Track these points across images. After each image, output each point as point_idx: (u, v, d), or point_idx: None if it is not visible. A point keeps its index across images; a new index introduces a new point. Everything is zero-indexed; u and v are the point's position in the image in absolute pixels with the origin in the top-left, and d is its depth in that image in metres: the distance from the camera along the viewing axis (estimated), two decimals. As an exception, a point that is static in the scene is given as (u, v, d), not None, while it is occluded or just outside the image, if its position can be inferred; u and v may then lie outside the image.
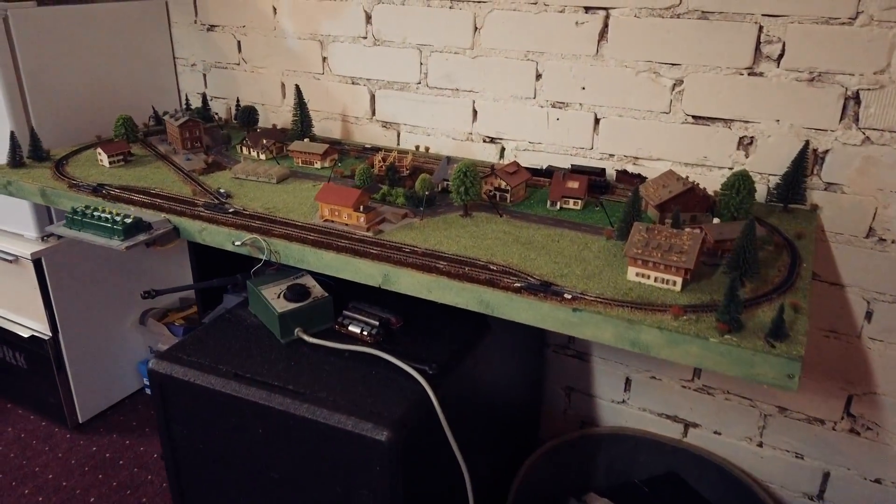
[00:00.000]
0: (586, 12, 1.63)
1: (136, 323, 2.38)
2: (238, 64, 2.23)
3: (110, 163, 1.77)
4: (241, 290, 1.78)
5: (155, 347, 2.41)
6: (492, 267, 1.23)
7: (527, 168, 1.62)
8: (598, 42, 1.64)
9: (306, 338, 1.40)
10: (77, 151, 1.90)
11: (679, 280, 1.13)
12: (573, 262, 1.25)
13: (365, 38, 1.97)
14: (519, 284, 1.16)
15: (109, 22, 2.09)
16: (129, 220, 1.42)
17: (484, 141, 1.90)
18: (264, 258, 1.38)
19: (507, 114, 1.83)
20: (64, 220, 1.48)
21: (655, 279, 1.15)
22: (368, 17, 1.94)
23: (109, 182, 1.66)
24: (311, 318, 1.43)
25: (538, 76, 1.76)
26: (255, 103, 2.23)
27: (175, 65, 2.35)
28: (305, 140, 1.87)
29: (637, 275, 1.17)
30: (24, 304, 2.13)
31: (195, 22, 2.25)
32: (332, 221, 1.44)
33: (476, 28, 1.79)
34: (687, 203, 1.38)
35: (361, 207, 1.41)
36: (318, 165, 1.79)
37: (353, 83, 2.05)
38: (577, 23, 1.65)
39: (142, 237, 1.43)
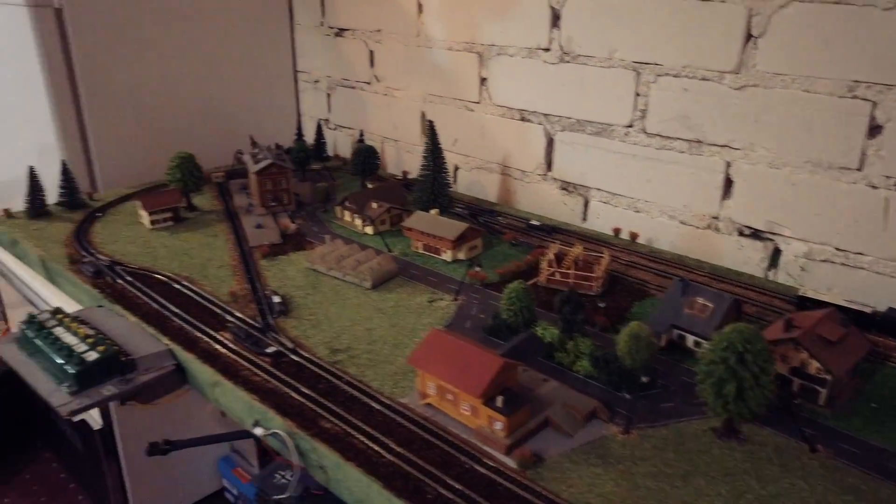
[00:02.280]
0: None
1: (216, 413, 1.85)
2: (369, 83, 1.60)
3: (152, 223, 1.20)
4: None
5: (237, 444, 1.86)
6: None
7: (843, 308, 0.79)
8: None
9: None
10: (132, 195, 1.36)
11: None
12: None
13: (547, 49, 1.23)
14: None
15: (210, 15, 1.54)
16: (94, 356, 0.80)
17: (741, 234, 1.07)
18: (291, 480, 0.69)
19: (792, 191, 0.99)
20: (19, 330, 0.91)
21: None
22: (556, 18, 1.20)
23: (130, 259, 1.08)
24: None
25: (872, 129, 0.90)
26: (386, 138, 1.59)
27: (296, 80, 1.77)
28: (433, 212, 1.15)
29: None
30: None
31: (321, 24, 1.65)
32: (440, 410, 0.72)
33: (750, 35, 0.98)
34: None
35: (500, 400, 0.67)
36: (447, 257, 1.08)
37: (522, 119, 1.32)
38: None
39: (110, 389, 0.81)
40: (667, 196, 1.14)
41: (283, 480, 1.19)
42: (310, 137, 1.60)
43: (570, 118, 1.24)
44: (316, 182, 1.40)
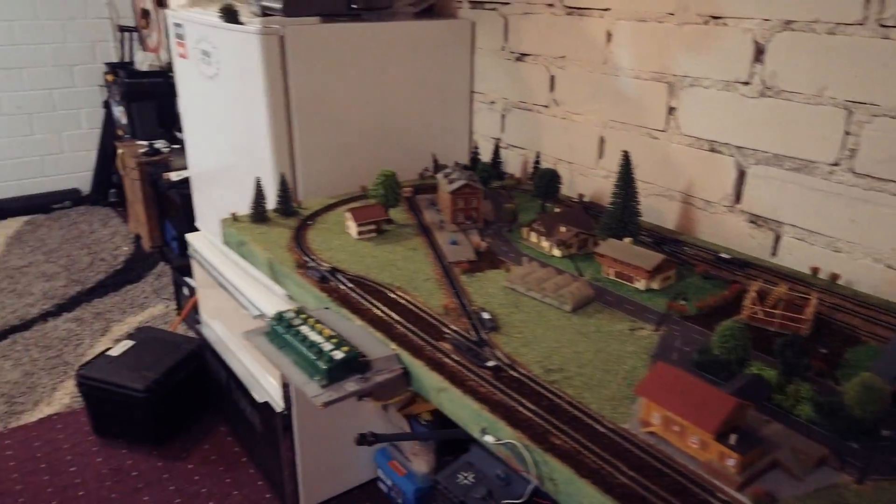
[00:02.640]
0: None
1: (378, 408, 1.98)
2: (547, 106, 1.66)
3: (359, 233, 1.33)
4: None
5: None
6: None
7: None
8: None
9: None
10: (331, 207, 1.50)
11: None
12: None
13: (747, 83, 1.23)
14: None
15: (402, 42, 1.67)
16: (339, 355, 0.91)
17: (958, 285, 1.03)
18: (530, 484, 0.76)
19: None
20: (267, 326, 1.04)
21: None
22: (759, 53, 1.20)
23: (346, 266, 1.20)
24: None
25: None
26: (559, 160, 1.64)
27: (471, 100, 1.87)
28: (626, 240, 1.19)
29: None
30: (266, 364, 1.84)
31: (503, 49, 1.73)
32: (664, 440, 0.76)
33: None
34: None
35: (733, 438, 0.70)
36: (640, 286, 1.11)
37: (711, 150, 1.33)
38: None
39: (351, 385, 0.91)
40: (874, 238, 1.11)
41: (466, 482, 1.27)
42: (481, 156, 1.69)
43: (766, 152, 1.23)
44: (497, 201, 1.48)
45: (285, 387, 1.76)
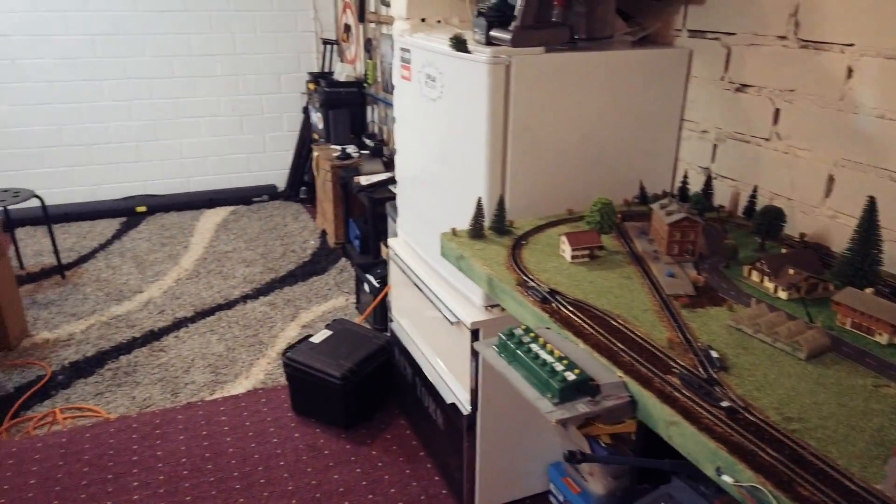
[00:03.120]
0: None
1: (559, 427, 2.02)
2: (767, 139, 1.61)
3: (573, 257, 1.38)
4: (698, 482, 1.20)
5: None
6: None
7: None
8: None
9: None
10: (541, 228, 1.57)
11: None
12: None
13: None
14: None
15: (617, 71, 1.70)
16: (572, 377, 0.97)
17: None
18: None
19: None
20: (497, 339, 1.12)
21: None
22: None
23: (564, 289, 1.26)
24: None
25: None
26: (776, 195, 1.59)
27: (680, 128, 1.85)
28: (868, 291, 1.14)
29: None
30: (455, 367, 1.95)
31: (721, 79, 1.71)
32: (929, 510, 0.73)
33: None
34: None
35: None
36: (883, 340, 1.06)
37: (967, 199, 1.22)
38: None
39: (582, 406, 0.96)
40: None
41: (667, 514, 1.28)
42: (690, 185, 1.67)
43: None
44: (711, 235, 1.46)
45: (473, 391, 1.85)
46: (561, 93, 1.65)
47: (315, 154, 4.47)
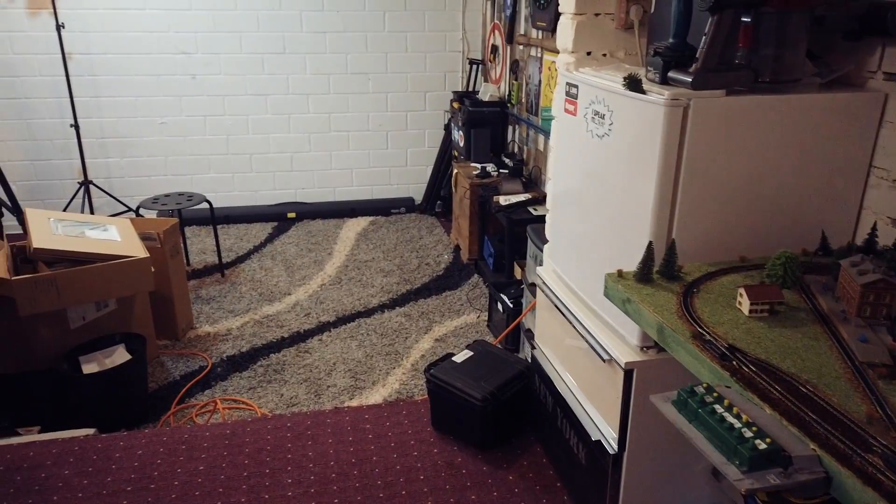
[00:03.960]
0: None
1: (706, 471, 1.95)
2: (976, 195, 1.48)
3: (751, 311, 1.33)
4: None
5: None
6: None
7: None
8: None
9: None
10: (713, 275, 1.53)
11: None
12: None
13: None
14: None
15: (802, 115, 1.63)
16: (762, 446, 0.94)
17: None
18: None
19: None
20: (675, 395, 1.11)
21: None
22: None
23: (744, 346, 1.22)
24: None
25: None
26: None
27: (868, 175, 1.74)
28: None
29: None
30: (603, 404, 1.94)
31: (922, 125, 1.58)
32: None
33: None
34: None
35: None
36: None
37: None
38: None
39: (773, 478, 0.93)
40: None
41: None
42: (878, 238, 1.56)
43: None
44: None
45: (622, 431, 1.83)
46: (740, 136, 1.60)
47: (455, 171, 4.59)
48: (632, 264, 1.53)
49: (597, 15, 2.16)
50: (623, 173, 1.73)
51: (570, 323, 2.04)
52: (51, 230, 2.81)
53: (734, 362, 1.16)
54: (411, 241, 4.76)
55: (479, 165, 4.45)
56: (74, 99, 4.41)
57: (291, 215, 5.04)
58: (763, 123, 1.61)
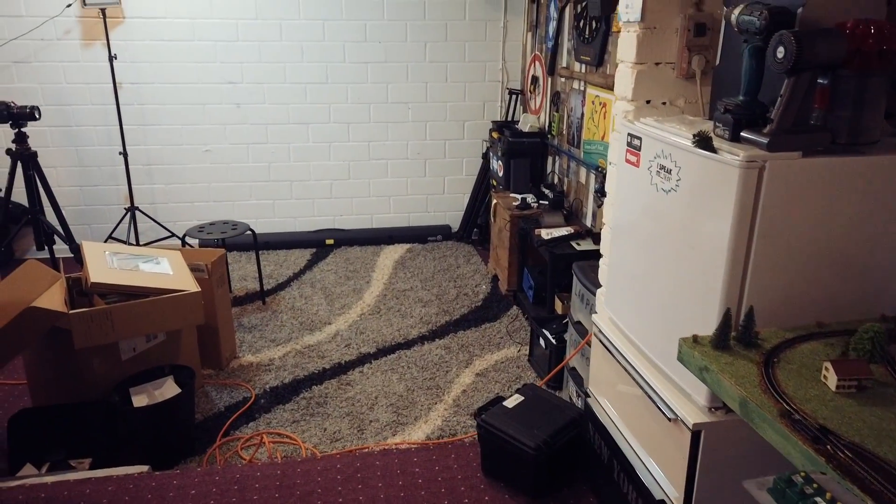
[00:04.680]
0: None
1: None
2: None
3: (838, 387, 1.30)
4: None
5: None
6: None
7: None
8: None
9: None
10: (791, 342, 1.50)
11: None
12: None
13: None
14: None
15: (881, 177, 1.60)
16: (875, 548, 0.91)
17: None
18: None
19: None
20: (772, 482, 1.09)
21: None
22: None
23: (836, 427, 1.19)
24: None
25: None
26: None
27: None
28: None
29: None
30: (666, 462, 1.90)
31: None
32: None
33: None
34: None
35: None
36: None
37: None
38: None
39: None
40: None
41: None
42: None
43: None
44: None
45: (687, 492, 1.79)
46: (816, 197, 1.57)
47: (494, 201, 4.59)
48: (699, 323, 1.51)
49: (657, 64, 2.15)
50: (691, 231, 1.71)
51: (630, 375, 2.01)
52: (106, 264, 2.87)
53: (828, 446, 1.13)
54: (449, 270, 4.76)
55: (518, 196, 4.45)
56: (124, 127, 4.51)
57: (330, 242, 5.08)
58: (840, 185, 1.58)
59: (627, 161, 2.01)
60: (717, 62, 1.99)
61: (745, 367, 1.38)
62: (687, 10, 2.10)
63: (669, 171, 1.79)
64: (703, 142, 1.65)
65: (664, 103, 2.19)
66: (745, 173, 1.53)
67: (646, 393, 1.91)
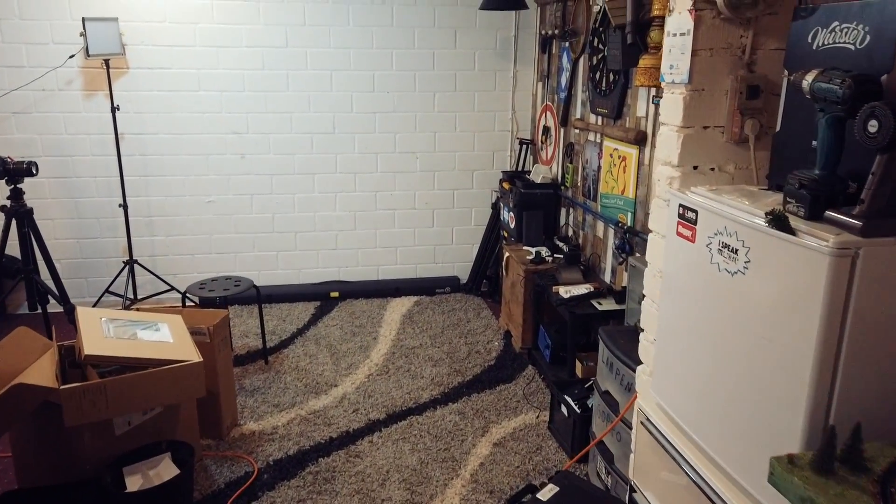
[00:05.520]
0: None
1: None
2: None
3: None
4: None
5: None
6: None
7: None
8: None
9: None
10: (897, 459, 1.29)
11: None
12: None
13: None
14: None
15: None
16: None
17: None
18: None
19: None
20: None
21: None
22: None
23: None
24: None
25: None
26: None
27: None
28: None
29: None
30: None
31: None
32: None
33: None
34: None
35: None
36: None
37: None
38: None
39: None
40: None
41: None
42: None
43: None
44: None
45: None
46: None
47: (506, 254, 4.42)
48: (782, 427, 1.31)
49: (705, 128, 2.00)
50: (766, 321, 1.53)
51: (688, 475, 1.80)
52: (102, 332, 2.65)
53: None
54: (458, 325, 4.56)
55: (532, 249, 4.28)
56: (125, 178, 4.34)
57: (334, 294, 4.88)
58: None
59: (680, 234, 1.84)
60: (778, 128, 1.84)
61: (858, 500, 1.18)
62: (738, 71, 1.96)
63: (735, 251, 1.61)
64: (778, 221, 1.48)
65: (712, 169, 2.02)
66: (837, 262, 1.35)
67: (708, 498, 1.70)
